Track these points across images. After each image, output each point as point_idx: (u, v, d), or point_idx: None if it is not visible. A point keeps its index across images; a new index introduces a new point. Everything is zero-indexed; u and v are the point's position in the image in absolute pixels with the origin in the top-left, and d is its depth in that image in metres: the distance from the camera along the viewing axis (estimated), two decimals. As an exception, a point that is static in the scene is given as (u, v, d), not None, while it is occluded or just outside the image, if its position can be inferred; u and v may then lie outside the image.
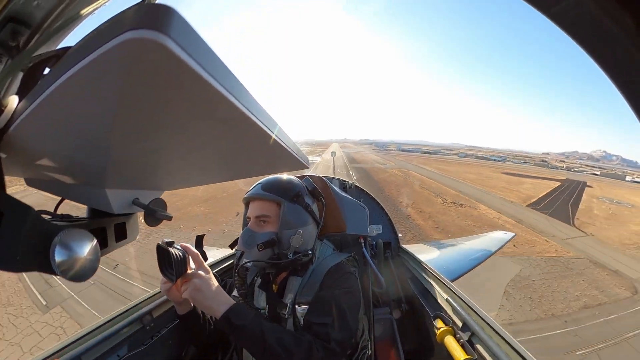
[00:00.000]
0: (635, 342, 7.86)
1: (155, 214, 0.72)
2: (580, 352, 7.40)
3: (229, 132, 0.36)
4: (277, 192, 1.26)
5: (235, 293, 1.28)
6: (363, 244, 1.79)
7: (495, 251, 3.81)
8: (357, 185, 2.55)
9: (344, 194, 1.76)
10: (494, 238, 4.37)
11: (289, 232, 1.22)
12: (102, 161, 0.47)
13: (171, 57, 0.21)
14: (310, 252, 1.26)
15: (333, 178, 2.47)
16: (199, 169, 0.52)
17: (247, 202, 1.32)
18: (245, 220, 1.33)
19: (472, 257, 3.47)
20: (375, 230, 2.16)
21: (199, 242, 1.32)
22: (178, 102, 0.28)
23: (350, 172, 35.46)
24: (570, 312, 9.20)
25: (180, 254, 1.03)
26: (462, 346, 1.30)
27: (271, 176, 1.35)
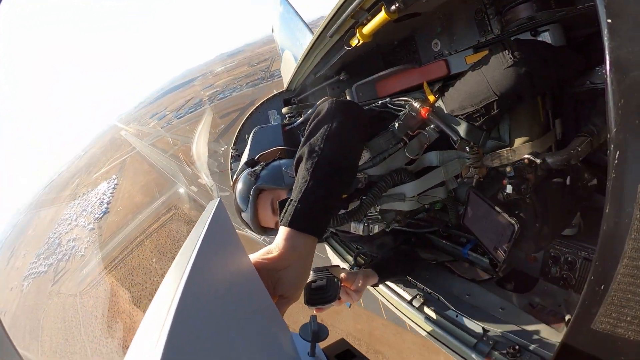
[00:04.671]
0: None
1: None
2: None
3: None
4: (246, 195, 1.30)
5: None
6: (293, 127, 1.75)
7: None
8: (233, 142, 2.63)
9: (245, 152, 1.78)
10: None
11: (286, 179, 1.29)
12: None
13: None
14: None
15: (230, 164, 2.45)
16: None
17: (261, 228, 1.33)
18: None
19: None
20: (274, 116, 2.51)
21: None
22: None
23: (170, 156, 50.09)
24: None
25: (325, 277, 0.91)
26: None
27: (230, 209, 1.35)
